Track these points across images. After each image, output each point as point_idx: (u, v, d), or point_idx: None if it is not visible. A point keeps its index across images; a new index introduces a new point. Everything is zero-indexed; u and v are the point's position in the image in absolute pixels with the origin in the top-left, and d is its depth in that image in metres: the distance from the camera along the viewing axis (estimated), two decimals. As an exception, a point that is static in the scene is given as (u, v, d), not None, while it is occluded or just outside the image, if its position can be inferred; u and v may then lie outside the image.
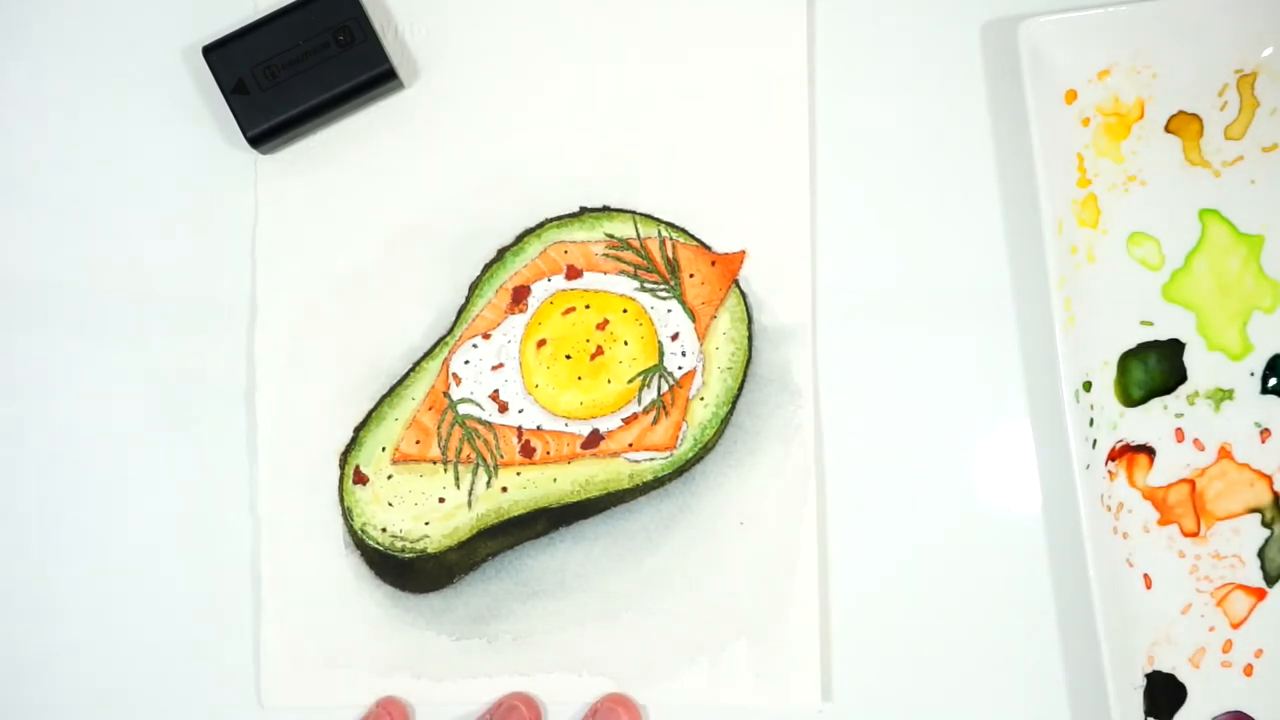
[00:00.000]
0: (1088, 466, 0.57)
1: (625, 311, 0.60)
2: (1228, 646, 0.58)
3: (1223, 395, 0.58)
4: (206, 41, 0.60)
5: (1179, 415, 0.59)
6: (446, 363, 0.60)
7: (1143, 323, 0.59)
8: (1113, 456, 0.58)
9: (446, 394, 0.60)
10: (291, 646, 0.59)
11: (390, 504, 0.59)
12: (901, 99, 0.60)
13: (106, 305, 0.61)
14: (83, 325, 0.61)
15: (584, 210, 0.61)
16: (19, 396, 0.61)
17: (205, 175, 0.62)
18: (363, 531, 0.59)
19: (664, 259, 0.60)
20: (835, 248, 0.60)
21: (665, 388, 0.59)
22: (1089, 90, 0.59)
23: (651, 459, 0.59)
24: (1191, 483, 0.58)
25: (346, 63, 0.59)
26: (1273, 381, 0.58)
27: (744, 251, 0.60)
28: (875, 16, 0.61)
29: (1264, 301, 0.59)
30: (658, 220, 0.60)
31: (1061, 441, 0.57)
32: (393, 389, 0.60)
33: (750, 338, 0.60)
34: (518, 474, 0.59)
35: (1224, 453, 0.58)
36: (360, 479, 0.60)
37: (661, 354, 0.60)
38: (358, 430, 0.60)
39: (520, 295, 0.60)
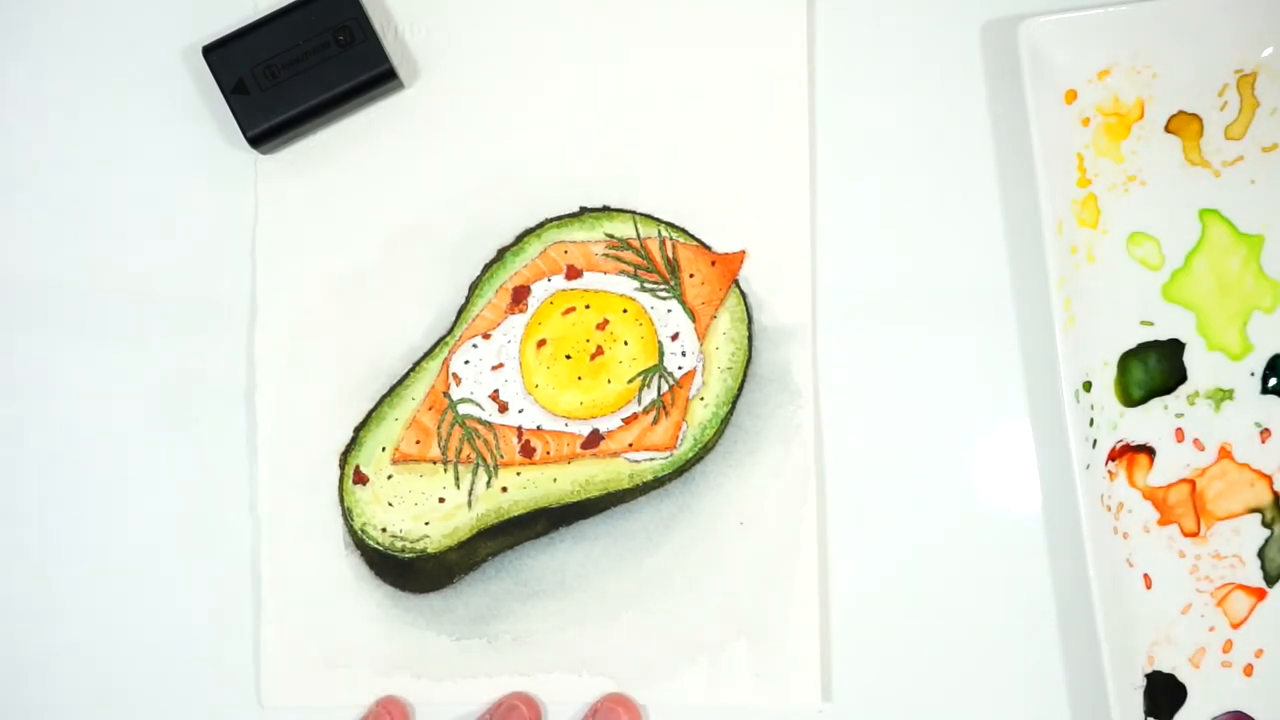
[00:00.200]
0: (1088, 466, 0.57)
1: (625, 311, 0.60)
2: (1228, 646, 0.58)
3: (1223, 395, 0.58)
4: (206, 41, 0.60)
5: (1179, 415, 0.59)
6: (446, 363, 0.60)
7: (1143, 323, 0.59)
8: (1113, 456, 0.58)
9: (446, 394, 0.60)
10: (291, 646, 0.59)
11: (390, 504, 0.59)
12: (901, 99, 0.60)
13: (106, 305, 0.61)
14: (83, 325, 0.61)
15: (584, 210, 0.61)
16: (19, 396, 0.61)
17: (205, 175, 0.62)
18: (363, 531, 0.59)
19: (664, 259, 0.60)
20: (835, 248, 0.60)
21: (665, 388, 0.59)
22: (1089, 90, 0.59)
23: (651, 459, 0.59)
24: (1191, 483, 0.58)
25: (346, 63, 0.59)
26: (1273, 381, 0.58)
27: (744, 251, 0.60)
28: (875, 16, 0.61)
29: (1264, 301, 0.59)
30: (658, 220, 0.60)
31: (1061, 441, 0.57)
32: (393, 389, 0.60)
33: (750, 338, 0.60)
34: (518, 474, 0.59)
35: (1224, 453, 0.58)
36: (360, 479, 0.60)
37: (661, 354, 0.60)
38: (358, 430, 0.60)
39: (520, 295, 0.60)
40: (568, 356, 0.60)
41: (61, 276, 0.61)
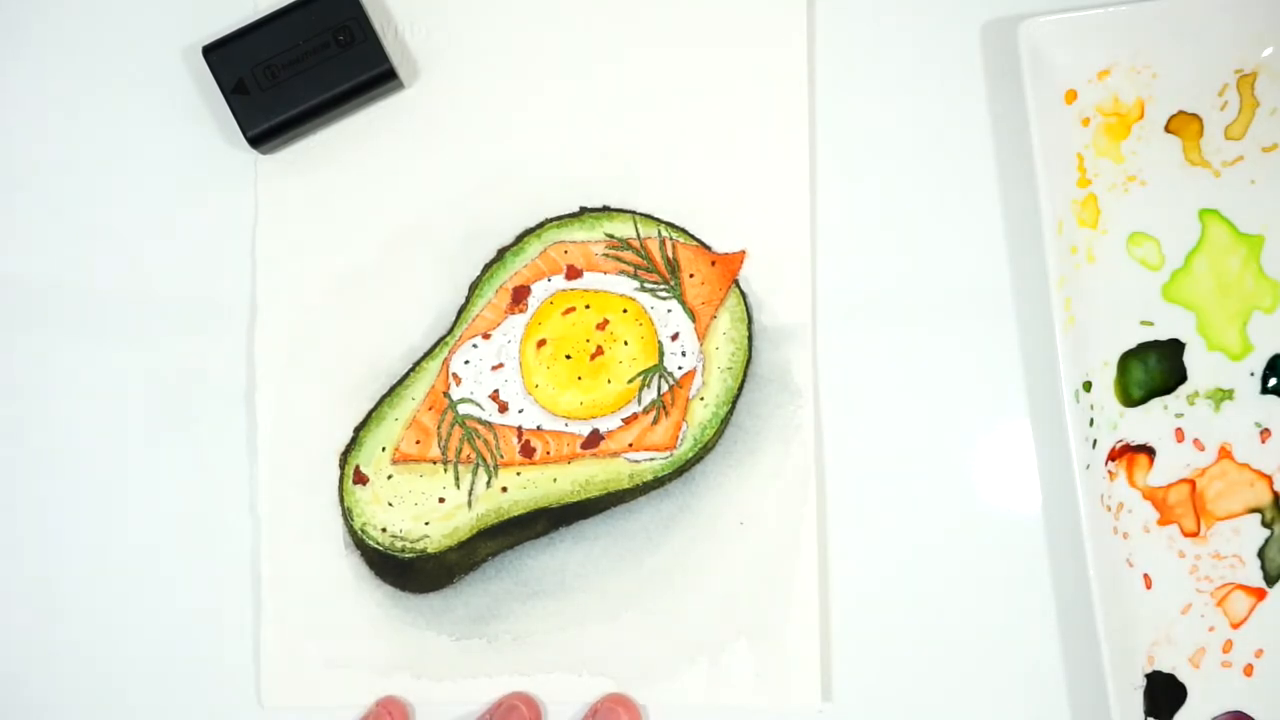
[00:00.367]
0: (1088, 466, 0.57)
1: (625, 311, 0.60)
2: (1228, 646, 0.58)
3: (1223, 395, 0.58)
4: (206, 41, 0.60)
5: (1179, 415, 0.59)
6: (446, 363, 0.60)
7: (1143, 323, 0.59)
8: (1113, 456, 0.58)
9: (446, 394, 0.60)
10: (291, 647, 0.59)
11: (390, 504, 0.59)
12: (901, 99, 0.60)
13: (107, 305, 0.61)
14: (83, 325, 0.61)
15: (584, 210, 0.61)
16: (19, 396, 0.61)
17: (205, 175, 0.61)
18: (363, 531, 0.59)
19: (664, 259, 0.60)
20: (835, 247, 0.60)
21: (665, 388, 0.59)
22: (1089, 90, 0.59)
23: (651, 459, 0.59)
24: (1191, 483, 0.58)
25: (346, 63, 0.59)
26: (1273, 381, 0.58)
27: (744, 251, 0.60)
28: (875, 16, 0.61)
29: (1264, 301, 0.59)
30: (658, 220, 0.60)
31: (1061, 441, 0.57)
32: (393, 389, 0.60)
33: (750, 338, 0.60)
34: (518, 474, 0.59)
35: (1224, 453, 0.58)
36: (360, 479, 0.60)
37: (661, 354, 0.60)
38: (358, 430, 0.60)
39: (520, 295, 0.60)
40: (568, 356, 0.60)
41: (61, 276, 0.61)
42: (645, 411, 0.59)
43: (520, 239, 0.61)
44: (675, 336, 0.60)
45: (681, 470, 0.59)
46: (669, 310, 0.60)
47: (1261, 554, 0.58)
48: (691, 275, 0.60)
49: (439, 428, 0.60)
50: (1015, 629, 0.59)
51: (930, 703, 0.59)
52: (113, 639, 0.61)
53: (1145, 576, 0.58)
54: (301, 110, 0.59)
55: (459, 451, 0.59)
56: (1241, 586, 0.58)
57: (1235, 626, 0.58)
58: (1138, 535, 0.58)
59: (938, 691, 0.59)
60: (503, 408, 0.60)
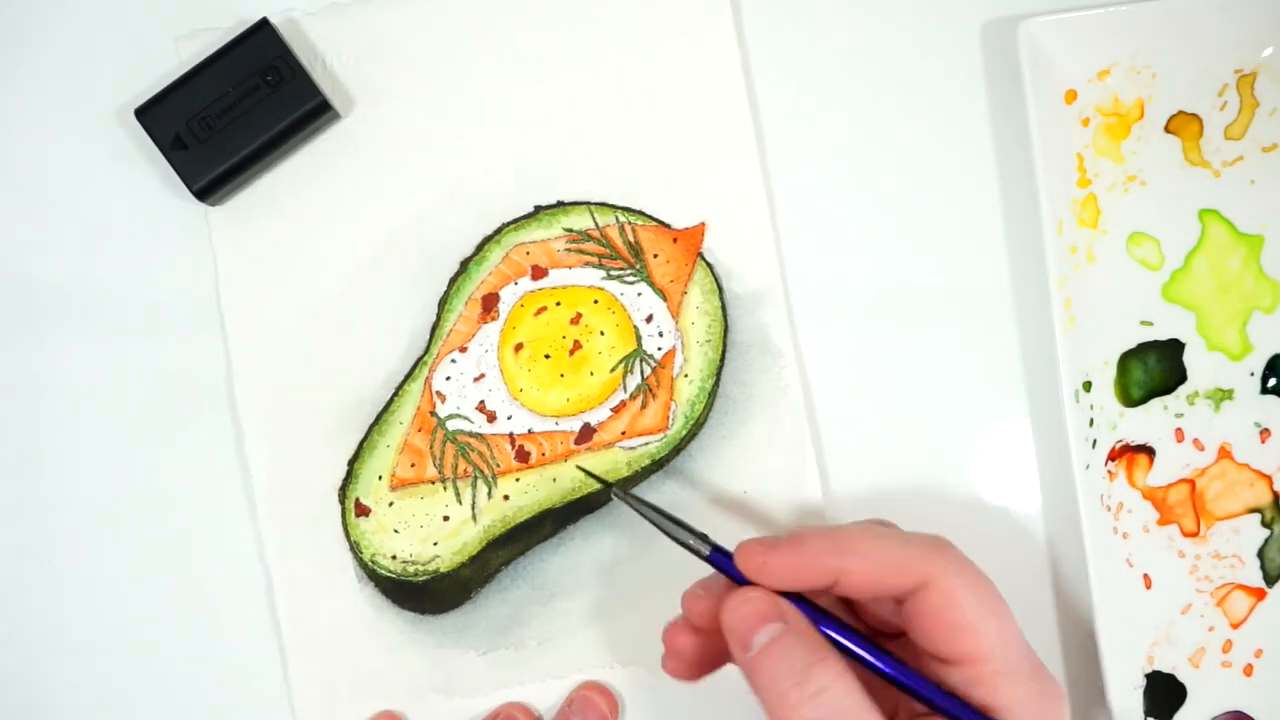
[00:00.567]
0: (1088, 466, 0.57)
1: (596, 302, 0.60)
2: (1228, 646, 0.58)
3: (1223, 395, 0.59)
4: (138, 99, 0.59)
5: (1179, 415, 0.59)
6: (428, 382, 0.60)
7: (1143, 323, 0.59)
8: (1113, 456, 0.58)
9: (433, 413, 0.60)
10: (322, 686, 0.59)
11: (396, 530, 0.59)
12: (901, 99, 0.60)
13: (93, 372, 0.61)
14: (65, 394, 0.61)
15: (539, 209, 0.60)
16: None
17: (160, 233, 0.61)
18: (373, 562, 0.59)
19: (625, 244, 0.60)
20: (835, 247, 0.60)
21: (648, 370, 0.59)
22: (1089, 90, 0.59)
23: (646, 443, 0.59)
24: (1191, 483, 0.58)
25: (279, 102, 0.58)
26: (1273, 381, 0.58)
27: (703, 224, 0.60)
28: (875, 16, 0.61)
29: (1264, 301, 0.59)
30: (613, 207, 0.60)
31: (1061, 441, 0.57)
32: (379, 417, 0.60)
33: (724, 307, 0.60)
34: (517, 480, 0.59)
35: (1224, 453, 0.59)
36: (362, 511, 0.59)
37: (639, 338, 0.60)
38: (351, 463, 0.60)
39: (490, 303, 0.60)
40: (547, 356, 0.60)
41: (38, 356, 0.61)
42: (632, 397, 0.59)
43: (481, 247, 0.60)
44: (649, 318, 0.60)
45: (678, 449, 0.59)
46: (639, 294, 0.60)
47: (1261, 554, 0.58)
48: (655, 255, 0.60)
49: (431, 447, 0.59)
50: (1015, 629, 0.59)
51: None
52: (139, 688, 0.60)
53: (1145, 576, 0.58)
54: (242, 156, 0.58)
55: (455, 468, 0.59)
56: (1241, 586, 0.58)
57: (1235, 626, 0.58)
58: (1138, 535, 0.58)
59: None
60: (491, 417, 0.59)
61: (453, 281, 0.60)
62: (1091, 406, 0.58)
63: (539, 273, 0.60)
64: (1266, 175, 0.59)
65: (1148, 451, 0.59)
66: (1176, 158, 0.59)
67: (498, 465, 0.59)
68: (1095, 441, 0.58)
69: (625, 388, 0.59)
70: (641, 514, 0.52)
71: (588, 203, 0.60)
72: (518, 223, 0.60)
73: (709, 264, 0.60)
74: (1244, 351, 0.59)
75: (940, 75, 0.60)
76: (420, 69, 0.61)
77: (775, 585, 0.49)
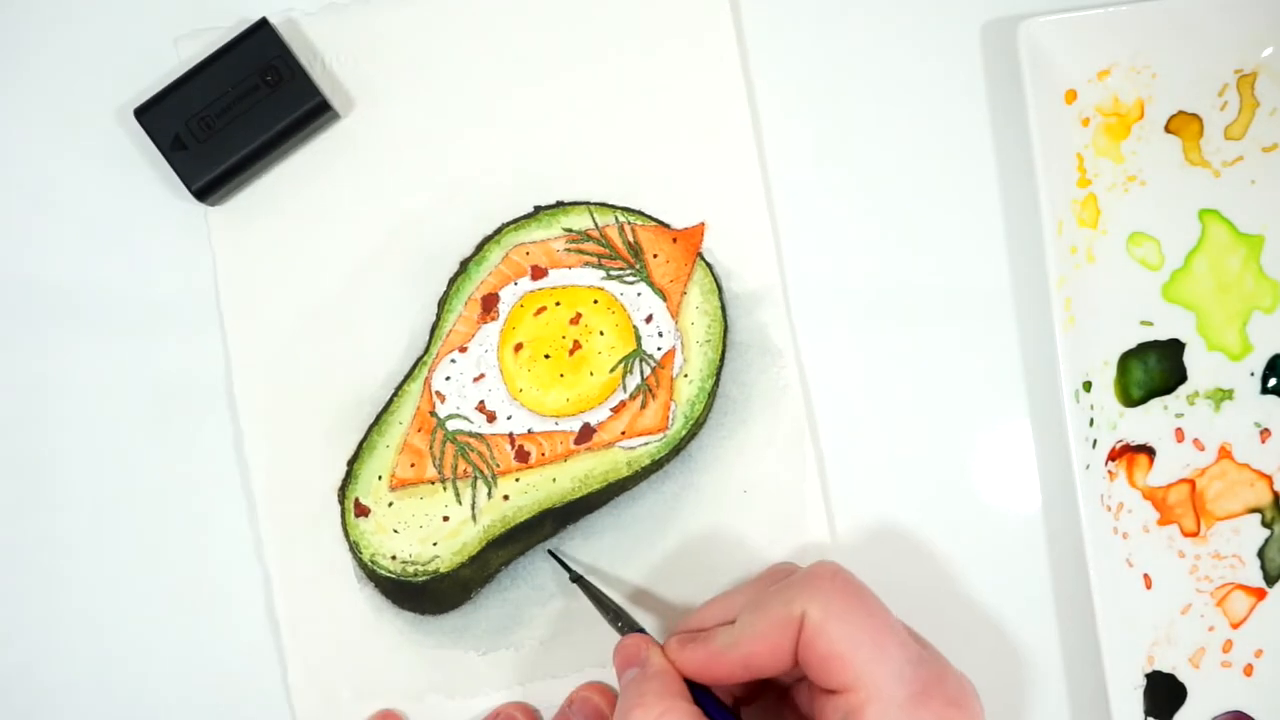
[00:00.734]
0: (1088, 466, 0.57)
1: (596, 302, 0.60)
2: (1228, 646, 0.58)
3: (1223, 395, 0.59)
4: (138, 99, 0.59)
5: (1179, 415, 0.59)
6: (428, 382, 0.60)
7: (1143, 323, 0.59)
8: (1113, 456, 0.58)
9: (433, 413, 0.59)
10: (322, 688, 0.59)
11: (395, 531, 0.59)
12: (901, 99, 0.60)
13: (88, 376, 0.61)
14: (71, 386, 0.61)
15: (539, 209, 0.60)
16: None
17: (161, 234, 0.61)
18: (373, 563, 0.59)
19: (625, 244, 0.60)
20: (835, 247, 0.60)
21: (648, 370, 0.59)
22: (1089, 90, 0.59)
23: (646, 443, 0.59)
24: (1191, 483, 0.58)
25: (278, 102, 0.58)
26: (1273, 381, 0.58)
27: (703, 224, 0.60)
28: (875, 16, 0.60)
29: (1264, 301, 0.59)
30: (613, 207, 0.60)
31: (1061, 441, 0.57)
32: (379, 417, 0.60)
33: (723, 307, 0.60)
34: (516, 480, 0.59)
35: (1224, 453, 0.59)
36: (362, 511, 0.59)
37: (638, 338, 0.60)
38: (351, 463, 0.60)
39: (490, 303, 0.60)
40: (546, 356, 0.60)
41: (39, 356, 0.61)
42: (632, 397, 0.59)
43: (480, 248, 0.60)
44: (649, 318, 0.60)
45: (678, 449, 0.59)
46: (638, 294, 0.60)
47: (1261, 554, 0.58)
48: (655, 255, 0.60)
49: (431, 447, 0.59)
50: (1015, 629, 0.59)
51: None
52: (139, 687, 0.60)
53: (1145, 576, 0.58)
54: (242, 156, 0.58)
55: (455, 468, 0.59)
56: (1241, 586, 0.58)
57: (1235, 626, 0.58)
58: (1138, 535, 0.58)
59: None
60: (491, 417, 0.59)
61: (452, 281, 0.60)
62: (1091, 406, 0.58)
63: (539, 273, 0.60)
64: (1266, 175, 0.59)
65: (1148, 451, 0.59)
66: (1176, 158, 0.59)
67: (497, 465, 0.59)
68: (1095, 441, 0.58)
69: (625, 388, 0.59)
70: (588, 595, 0.57)
71: (587, 203, 0.60)
72: (517, 223, 0.60)
73: (709, 264, 0.60)
74: (1244, 351, 0.59)
75: (940, 75, 0.60)
76: (420, 69, 0.61)
77: (693, 677, 0.52)
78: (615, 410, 0.59)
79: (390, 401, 0.60)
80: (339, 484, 0.60)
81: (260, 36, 0.59)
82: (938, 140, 0.60)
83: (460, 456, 0.59)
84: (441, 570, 0.59)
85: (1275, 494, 0.58)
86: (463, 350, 0.60)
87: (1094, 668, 0.57)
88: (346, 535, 0.60)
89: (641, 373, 0.59)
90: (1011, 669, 0.59)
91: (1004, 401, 0.60)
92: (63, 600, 0.60)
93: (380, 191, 0.60)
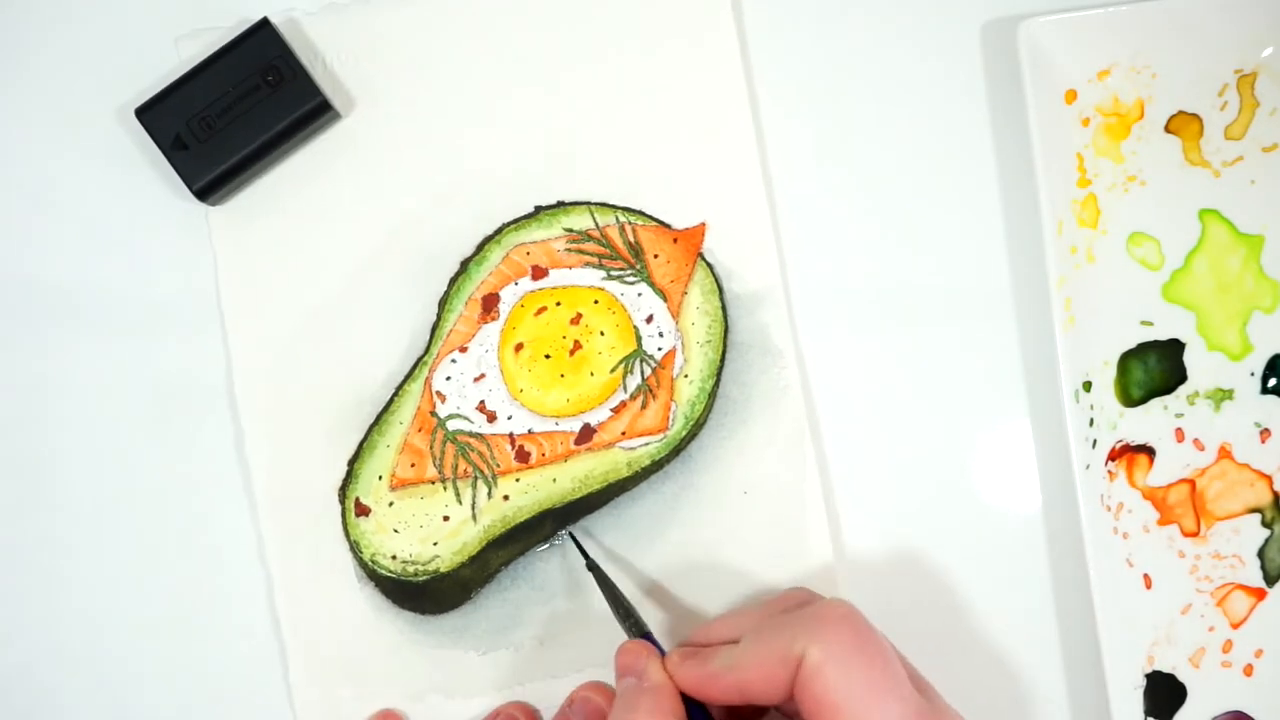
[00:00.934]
0: (1088, 466, 0.57)
1: (596, 302, 0.60)
2: (1228, 646, 0.58)
3: (1223, 395, 0.59)
4: (139, 99, 0.59)
5: (1179, 415, 0.59)
6: (428, 382, 0.60)
7: (1143, 323, 0.59)
8: (1113, 456, 0.58)
9: (433, 413, 0.60)
10: (322, 686, 0.59)
11: (396, 530, 0.59)
12: (901, 99, 0.60)
13: (87, 375, 0.61)
14: (71, 386, 0.61)
15: (539, 209, 0.60)
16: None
17: (162, 233, 0.61)
18: (373, 562, 0.59)
19: (626, 244, 0.60)
20: (836, 248, 0.60)
21: (648, 371, 0.59)
22: (1089, 90, 0.59)
23: (646, 444, 0.59)
24: (1191, 483, 0.58)
25: (279, 101, 0.58)
26: (1273, 381, 0.58)
27: (704, 224, 0.60)
28: (875, 16, 0.61)
29: (1264, 301, 0.59)
30: (613, 207, 0.60)
31: (1061, 441, 0.57)
32: (379, 417, 0.60)
33: (724, 307, 0.60)
34: (517, 480, 0.59)
35: (1224, 453, 0.59)
36: (362, 511, 0.59)
37: (639, 338, 0.60)
38: (351, 463, 0.60)
39: (490, 303, 0.60)
40: (547, 356, 0.60)
41: (39, 356, 0.61)
42: (633, 398, 0.59)
43: (481, 248, 0.60)
44: (650, 319, 0.60)
45: (678, 450, 0.59)
46: (639, 294, 0.60)
47: (1261, 554, 0.58)
48: (656, 255, 0.60)
49: (431, 447, 0.59)
50: (1015, 629, 0.59)
51: (936, 688, 0.59)
52: (139, 687, 0.60)
53: (1145, 576, 0.58)
54: (242, 156, 0.58)
55: (455, 468, 0.59)
56: (1241, 586, 0.58)
57: (1235, 626, 0.58)
58: (1138, 535, 0.58)
59: (940, 686, 0.59)
60: (491, 417, 0.59)
61: (453, 281, 0.60)
62: (1091, 406, 0.58)
63: (539, 273, 0.60)
64: (1266, 175, 0.59)
65: (1148, 451, 0.59)
66: (1176, 158, 0.59)
67: (498, 465, 0.59)
68: (1095, 441, 0.58)
69: (625, 388, 0.59)
70: (601, 585, 0.56)
71: (588, 203, 0.60)
72: (518, 223, 0.60)
73: (709, 264, 0.60)
74: (1244, 351, 0.59)
75: (940, 75, 0.60)
76: (420, 69, 0.61)
77: (689, 694, 0.51)
78: (615, 410, 0.59)
79: (391, 401, 0.60)
80: (339, 484, 0.60)
81: (261, 36, 0.59)
82: (938, 140, 0.60)
83: (460, 456, 0.59)
84: (441, 570, 0.59)
85: (1275, 494, 0.58)
86: (463, 350, 0.60)
87: (1094, 668, 0.57)
88: (347, 535, 0.60)
89: (642, 373, 0.59)
90: (1011, 669, 0.59)
91: (1004, 401, 0.60)
92: (63, 600, 0.60)
93: (381, 191, 0.60)
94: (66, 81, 0.61)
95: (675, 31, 0.60)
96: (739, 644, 0.50)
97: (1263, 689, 0.57)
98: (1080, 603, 0.57)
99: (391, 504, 0.59)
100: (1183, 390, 0.59)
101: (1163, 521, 0.58)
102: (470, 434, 0.59)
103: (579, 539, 0.58)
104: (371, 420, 0.60)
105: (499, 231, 0.60)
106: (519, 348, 0.60)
